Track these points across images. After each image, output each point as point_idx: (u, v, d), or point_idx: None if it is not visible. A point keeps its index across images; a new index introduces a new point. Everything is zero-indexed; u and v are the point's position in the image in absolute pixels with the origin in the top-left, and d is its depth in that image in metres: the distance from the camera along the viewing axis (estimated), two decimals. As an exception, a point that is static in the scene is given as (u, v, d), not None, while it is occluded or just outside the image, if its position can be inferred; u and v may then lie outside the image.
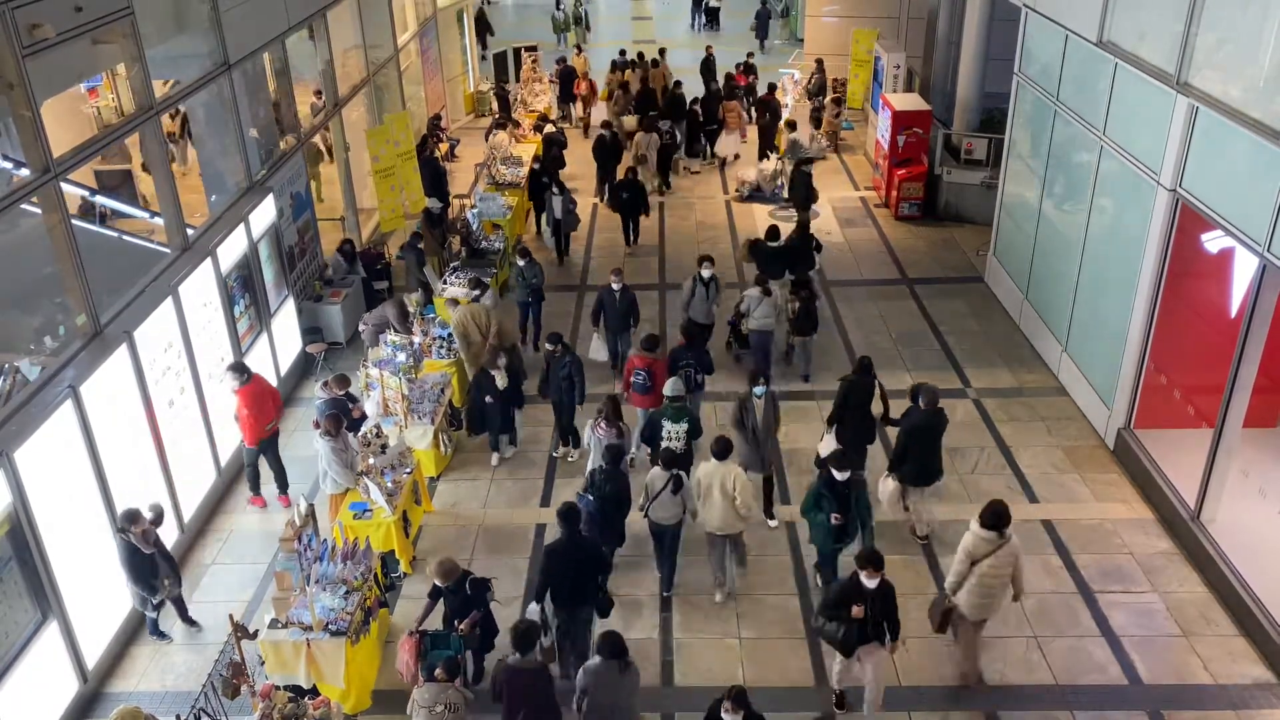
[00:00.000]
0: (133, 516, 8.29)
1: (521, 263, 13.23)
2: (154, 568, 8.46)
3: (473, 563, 9.89)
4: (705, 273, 12.25)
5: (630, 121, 20.86)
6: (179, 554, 9.73)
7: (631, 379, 10.83)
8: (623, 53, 24.29)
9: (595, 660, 7.04)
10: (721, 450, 8.95)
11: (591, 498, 8.97)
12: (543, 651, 7.67)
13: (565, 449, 11.51)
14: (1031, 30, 13.73)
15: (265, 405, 10.36)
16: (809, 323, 12.49)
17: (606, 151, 18.42)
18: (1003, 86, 15.24)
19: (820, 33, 25.19)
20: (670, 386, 9.98)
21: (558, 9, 29.87)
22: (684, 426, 9.71)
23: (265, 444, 10.52)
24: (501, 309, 13.15)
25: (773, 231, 13.96)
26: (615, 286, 12.23)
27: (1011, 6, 14.35)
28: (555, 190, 16.24)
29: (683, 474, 9.04)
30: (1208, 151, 9.35)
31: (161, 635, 9.02)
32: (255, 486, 10.79)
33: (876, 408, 10.21)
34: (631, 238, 16.85)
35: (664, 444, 9.58)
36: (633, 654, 7.50)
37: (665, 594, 9.38)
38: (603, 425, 9.83)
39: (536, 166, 17.30)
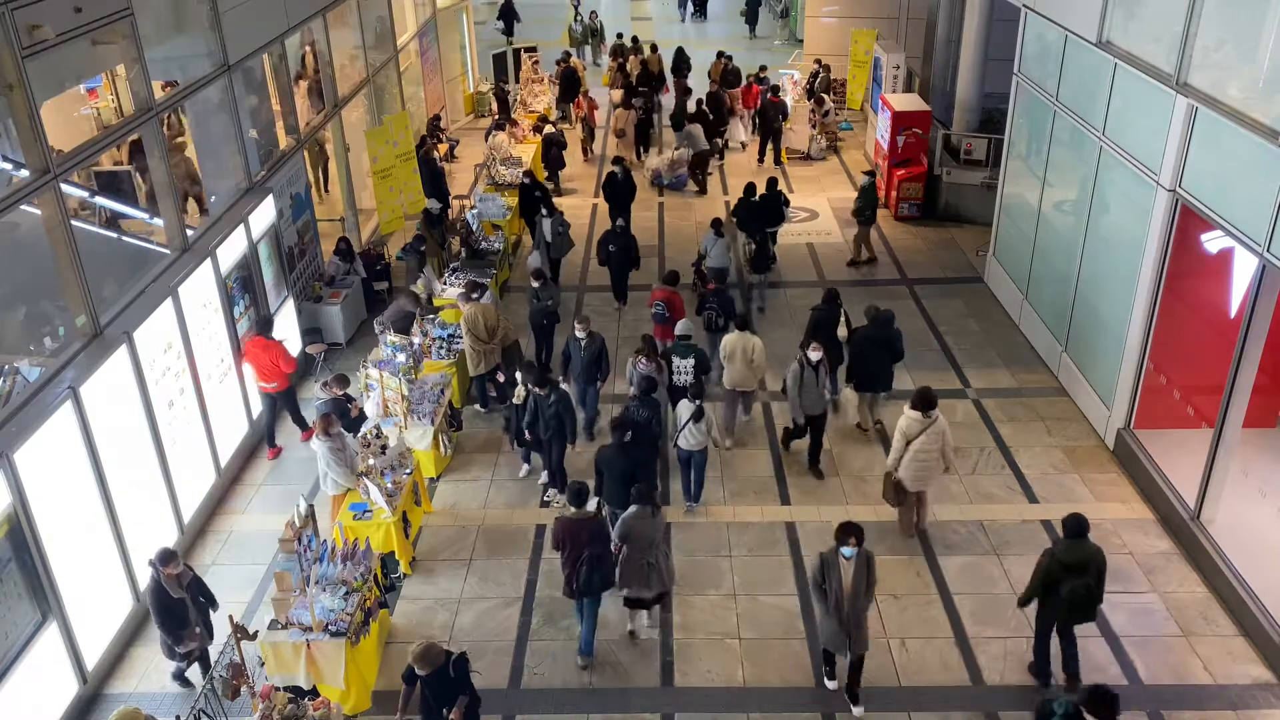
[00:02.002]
0: (166, 557, 7.81)
1: (536, 284, 12.63)
2: (184, 615, 7.96)
3: (472, 563, 9.92)
4: (814, 355, 10.57)
5: (616, 95, 22.64)
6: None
7: (652, 309, 12.20)
8: (619, 36, 25.64)
9: (632, 509, 8.42)
10: (743, 322, 11.28)
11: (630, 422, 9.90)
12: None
13: (554, 492, 10.71)
14: (1031, 30, 13.74)
15: (259, 365, 11.16)
16: (763, 261, 14.52)
17: (618, 190, 16.34)
18: (1002, 87, 15.25)
19: (819, 33, 25.19)
20: (681, 327, 11.34)
21: (575, 21, 28.87)
22: (691, 361, 10.93)
23: (276, 397, 11.38)
24: (500, 308, 13.12)
25: (750, 188, 15.38)
26: (580, 335, 11.15)
27: (1011, 7, 14.35)
28: (545, 212, 15.18)
29: (705, 405, 10.12)
30: (1207, 152, 9.35)
31: (186, 683, 8.49)
32: (269, 438, 11.65)
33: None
34: (623, 295, 14.84)
35: (674, 377, 10.94)
36: (632, 654, 8.40)
37: (691, 504, 10.54)
38: (642, 361, 10.88)
39: (527, 181, 16.26)
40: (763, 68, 22.83)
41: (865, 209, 15.70)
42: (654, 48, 24.62)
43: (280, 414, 11.74)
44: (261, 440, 11.79)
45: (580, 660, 8.67)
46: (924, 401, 9.44)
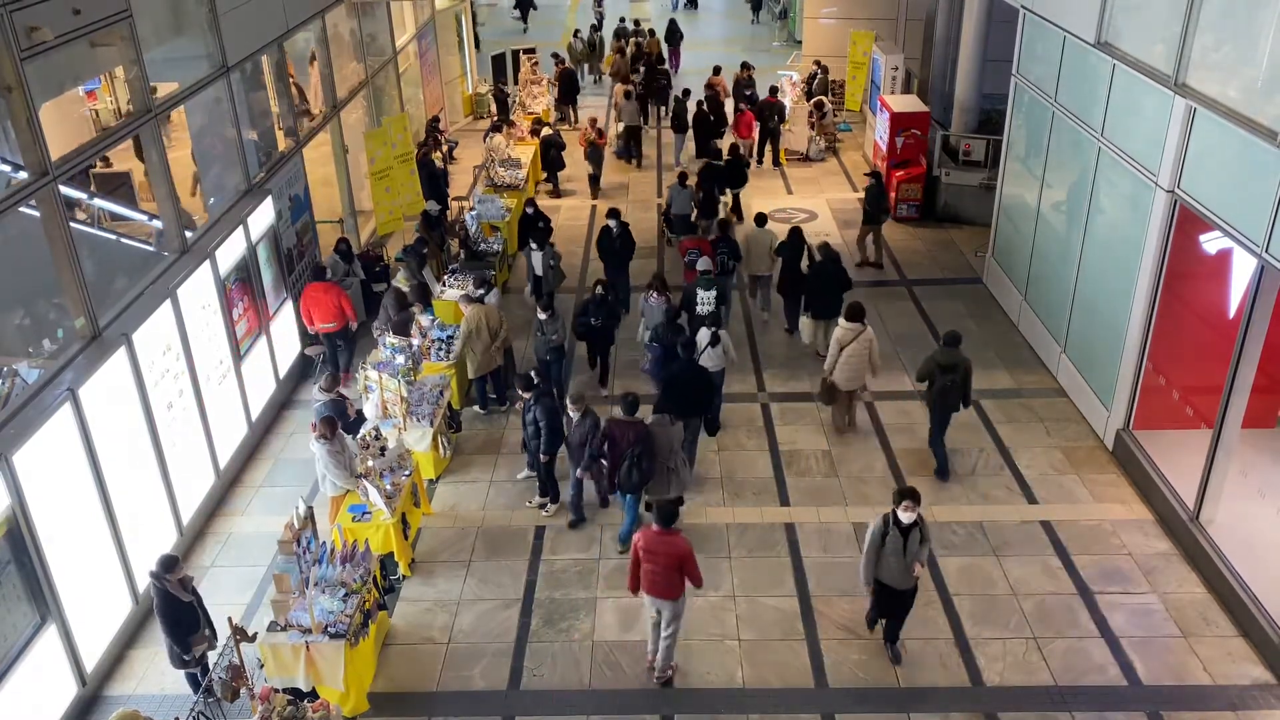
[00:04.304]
0: (169, 563, 7.67)
1: (543, 316, 11.93)
2: (195, 619, 7.83)
3: (471, 564, 9.91)
4: (905, 516, 8.08)
5: (628, 72, 24.28)
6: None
7: (686, 257, 13.81)
8: (621, 19, 28.03)
9: (654, 418, 9.82)
10: (760, 219, 14.00)
11: (658, 345, 11.60)
12: None
13: (544, 500, 10.60)
14: (1029, 31, 13.75)
15: (322, 306, 12.30)
16: (710, 208, 16.67)
17: (613, 249, 14.42)
18: (1001, 88, 15.26)
19: (818, 34, 25.21)
20: (703, 264, 12.92)
21: (576, 37, 27.77)
22: (713, 293, 12.36)
23: (336, 336, 12.49)
24: (504, 309, 13.09)
25: (715, 152, 17.94)
26: (573, 415, 10.11)
27: (1009, 8, 14.36)
28: (534, 245, 14.20)
29: (721, 331, 11.39)
30: (1206, 152, 9.36)
31: (198, 687, 8.20)
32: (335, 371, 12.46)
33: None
34: (604, 374, 12.99)
35: (698, 307, 12.28)
36: (632, 656, 8.42)
37: (710, 435, 11.61)
38: (653, 295, 12.33)
39: (530, 211, 15.31)
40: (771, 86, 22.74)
41: (878, 212, 15.81)
42: (652, 32, 26.90)
43: (339, 355, 12.74)
44: (261, 440, 11.83)
45: (619, 546, 10.00)
46: (855, 312, 11.13)
